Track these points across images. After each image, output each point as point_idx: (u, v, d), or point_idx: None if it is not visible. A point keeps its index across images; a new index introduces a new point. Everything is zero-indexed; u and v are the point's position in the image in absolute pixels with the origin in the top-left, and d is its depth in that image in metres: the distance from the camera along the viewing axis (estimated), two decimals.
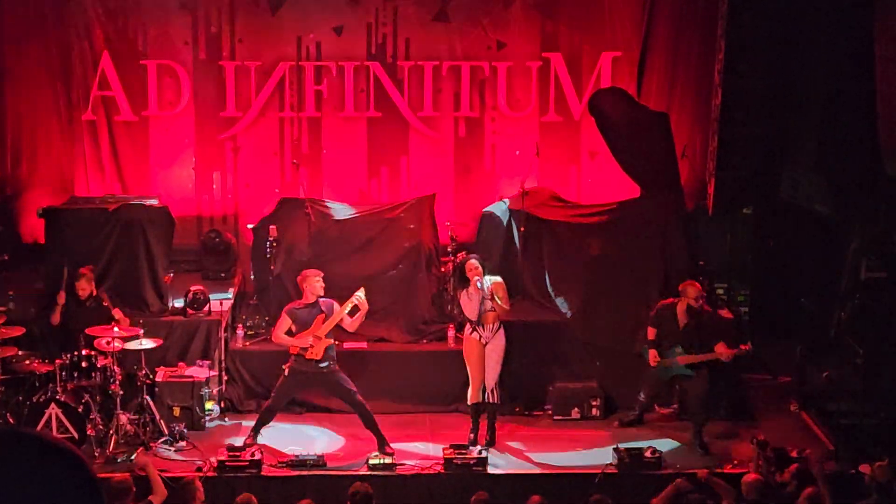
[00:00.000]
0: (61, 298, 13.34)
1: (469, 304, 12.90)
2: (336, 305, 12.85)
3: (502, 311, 13.01)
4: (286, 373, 12.83)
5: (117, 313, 13.21)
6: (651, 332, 13.34)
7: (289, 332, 12.82)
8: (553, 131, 16.63)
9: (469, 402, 13.14)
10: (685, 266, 14.49)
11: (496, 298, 12.83)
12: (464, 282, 12.96)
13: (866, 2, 13.55)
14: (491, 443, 13.11)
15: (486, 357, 13.01)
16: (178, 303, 14.37)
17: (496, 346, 13.05)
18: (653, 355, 13.24)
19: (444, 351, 14.21)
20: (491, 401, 13.09)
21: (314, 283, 12.85)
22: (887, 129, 13.08)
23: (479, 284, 12.70)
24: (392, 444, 12.72)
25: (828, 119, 15.02)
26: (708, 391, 13.28)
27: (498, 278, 13.14)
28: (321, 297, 12.91)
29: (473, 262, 12.93)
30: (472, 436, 13.06)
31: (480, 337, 12.99)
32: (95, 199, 15.21)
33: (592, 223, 14.77)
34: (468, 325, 13.10)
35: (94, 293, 13.41)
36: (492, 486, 11.81)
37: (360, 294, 12.75)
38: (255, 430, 12.91)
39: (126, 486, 10.18)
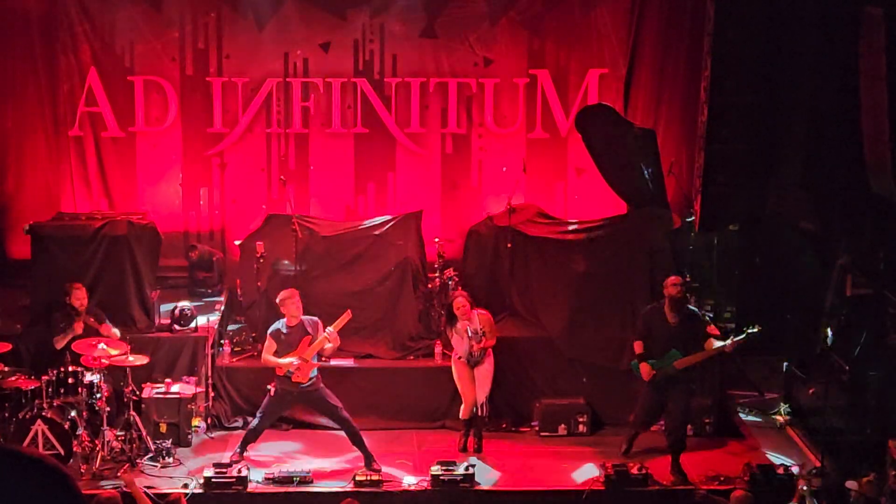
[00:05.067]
0: (79, 329, 13.23)
1: (460, 343, 13.25)
2: (321, 326, 12.87)
3: (488, 345, 13.29)
4: (271, 392, 12.83)
5: (105, 329, 13.21)
6: (638, 346, 12.97)
7: (275, 353, 12.86)
8: (540, 148, 16.66)
9: (461, 417, 13.48)
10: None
11: (484, 335, 13.19)
12: (452, 319, 13.28)
13: (852, 19, 13.59)
14: (478, 449, 13.39)
15: (476, 376, 13.30)
16: (165, 319, 14.34)
17: (485, 367, 13.35)
18: (645, 370, 12.82)
19: (431, 367, 14.21)
20: (481, 414, 13.41)
21: (290, 305, 12.83)
22: (872, 145, 13.11)
23: (468, 331, 13.10)
24: (379, 461, 12.73)
25: (813, 136, 15.06)
26: (689, 406, 13.05)
27: (484, 312, 13.42)
28: (306, 316, 12.92)
29: (461, 300, 13.24)
30: (462, 442, 13.41)
31: (468, 361, 13.31)
32: (82, 215, 15.17)
33: (579, 240, 14.78)
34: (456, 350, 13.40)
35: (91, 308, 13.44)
36: (479, 503, 11.80)
37: (331, 329, 12.74)
38: (241, 448, 12.89)
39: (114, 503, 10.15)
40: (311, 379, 12.77)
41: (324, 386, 12.94)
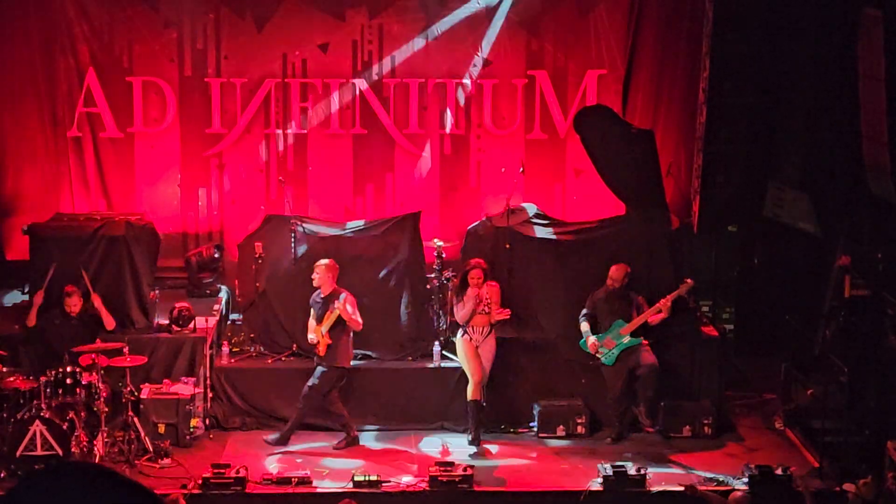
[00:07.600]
0: (38, 298, 13.31)
1: (461, 310, 13.43)
2: (346, 298, 13.27)
3: (492, 318, 13.53)
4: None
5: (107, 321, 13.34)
6: (585, 327, 13.74)
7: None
8: (538, 149, 16.64)
9: (469, 398, 13.51)
10: (670, 284, 14.50)
11: (489, 306, 13.46)
12: (463, 287, 13.50)
13: (851, 20, 13.60)
14: (475, 441, 13.46)
15: (480, 354, 13.54)
16: (164, 320, 14.33)
17: (487, 349, 13.58)
18: (590, 341, 13.61)
19: (430, 368, 14.21)
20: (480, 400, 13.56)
21: (315, 274, 13.43)
22: (871, 147, 13.11)
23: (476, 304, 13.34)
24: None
25: (812, 137, 15.06)
26: (657, 361, 13.54)
27: (494, 284, 13.73)
28: (344, 291, 13.35)
29: (478, 272, 13.50)
30: (470, 434, 13.50)
31: (472, 339, 13.50)
32: (80, 215, 15.16)
33: (578, 241, 14.78)
34: (460, 329, 13.54)
35: (87, 310, 13.44)
36: None
37: (337, 303, 13.14)
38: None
39: None
40: (327, 354, 13.22)
41: (332, 368, 13.28)
